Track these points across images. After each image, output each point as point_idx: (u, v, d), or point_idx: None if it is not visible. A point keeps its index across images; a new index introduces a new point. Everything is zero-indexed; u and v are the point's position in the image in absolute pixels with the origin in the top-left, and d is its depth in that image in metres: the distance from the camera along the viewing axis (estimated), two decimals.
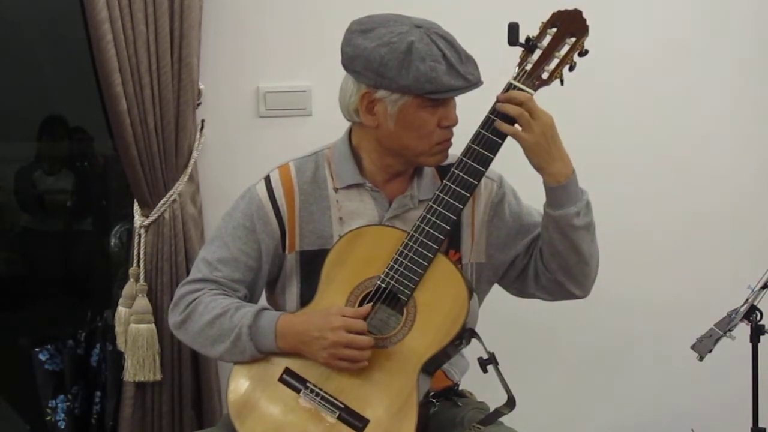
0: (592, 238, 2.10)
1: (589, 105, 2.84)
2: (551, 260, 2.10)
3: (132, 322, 2.70)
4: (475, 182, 2.00)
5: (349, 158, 2.13)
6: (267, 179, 2.15)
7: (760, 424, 2.47)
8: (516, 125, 1.99)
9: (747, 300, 2.41)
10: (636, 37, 2.91)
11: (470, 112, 2.07)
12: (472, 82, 2.01)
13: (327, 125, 2.23)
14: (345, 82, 2.08)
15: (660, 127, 2.95)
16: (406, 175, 2.14)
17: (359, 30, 2.02)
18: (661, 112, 2.95)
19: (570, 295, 2.16)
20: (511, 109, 1.98)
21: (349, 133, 2.16)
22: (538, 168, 2.02)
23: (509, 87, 2.00)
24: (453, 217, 1.99)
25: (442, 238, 1.99)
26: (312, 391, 1.98)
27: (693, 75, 2.95)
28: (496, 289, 2.27)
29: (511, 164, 2.10)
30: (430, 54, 1.96)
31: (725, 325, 2.39)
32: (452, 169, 2.01)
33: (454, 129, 2.07)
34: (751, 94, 2.99)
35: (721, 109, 2.98)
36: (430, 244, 1.98)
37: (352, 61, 2.02)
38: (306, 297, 2.11)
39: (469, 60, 2.01)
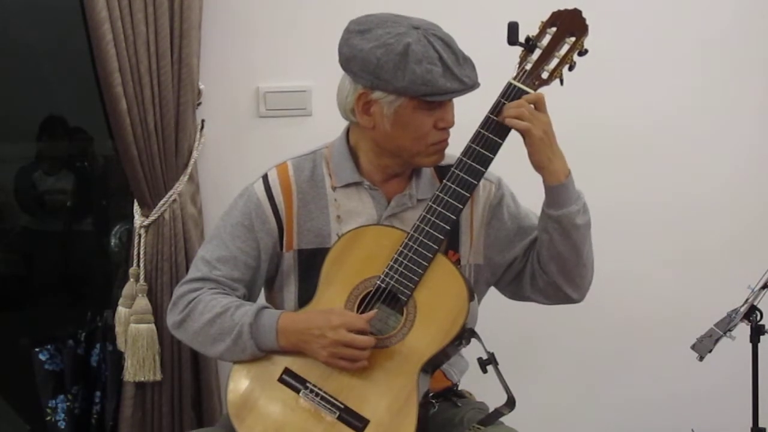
0: (590, 239, 2.10)
1: (589, 105, 2.84)
2: (550, 263, 2.10)
3: (132, 322, 2.70)
4: (475, 182, 2.00)
5: (347, 157, 2.13)
6: (265, 178, 2.16)
7: (760, 424, 2.47)
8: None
9: (747, 300, 2.41)
10: (636, 37, 2.91)
11: (469, 112, 2.07)
12: (468, 85, 2.00)
13: (327, 125, 2.23)
14: (342, 81, 2.08)
15: (660, 128, 2.95)
16: (404, 175, 2.14)
17: (357, 30, 2.02)
18: (662, 112, 2.94)
19: (566, 299, 2.16)
20: (513, 111, 1.98)
21: (347, 132, 2.16)
22: (540, 166, 2.02)
23: (509, 87, 2.01)
24: (453, 217, 1.99)
25: (442, 238, 1.99)
26: (312, 391, 1.98)
27: (695, 74, 2.95)
28: (497, 289, 2.27)
29: (509, 167, 2.11)
30: (427, 56, 1.95)
31: (725, 325, 2.39)
32: (452, 169, 2.01)
33: (454, 129, 2.07)
34: (754, 96, 2.99)
35: (722, 110, 2.97)
36: (430, 244, 1.98)
37: (348, 61, 2.02)
38: (304, 295, 2.11)
39: (466, 62, 2.01)
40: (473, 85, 2.02)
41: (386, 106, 2.01)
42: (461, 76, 1.99)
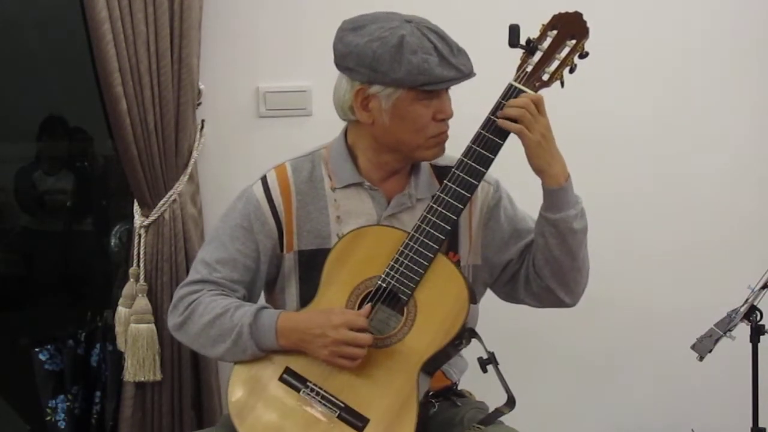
0: (586, 244, 2.11)
1: (589, 107, 2.84)
2: (545, 266, 2.10)
3: (132, 322, 2.70)
4: (476, 183, 2.00)
5: (346, 157, 2.13)
6: (263, 180, 2.16)
7: (760, 424, 2.48)
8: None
9: (747, 300, 2.41)
10: (637, 40, 2.91)
11: (470, 112, 2.07)
12: (465, 73, 2.01)
13: (327, 125, 2.23)
14: (338, 81, 2.09)
15: (660, 129, 2.95)
16: (403, 173, 2.15)
17: (350, 28, 2.04)
18: (661, 114, 2.95)
19: (559, 303, 2.15)
20: (513, 110, 1.98)
21: (345, 132, 2.17)
22: (540, 170, 2.02)
23: (510, 88, 2.01)
24: (453, 217, 2.00)
25: (443, 238, 1.99)
26: (312, 390, 1.98)
27: (694, 77, 2.95)
28: (492, 291, 2.28)
29: (508, 169, 2.11)
30: (422, 46, 1.97)
31: (725, 325, 2.39)
32: (453, 170, 2.01)
33: (454, 130, 2.08)
34: (753, 96, 2.99)
35: (721, 111, 2.98)
36: (431, 244, 1.98)
37: (344, 58, 2.03)
38: (305, 297, 2.11)
39: (460, 52, 2.02)
40: (470, 73, 2.03)
41: (384, 99, 2.02)
42: (457, 65, 2.00)
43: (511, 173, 2.14)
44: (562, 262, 2.08)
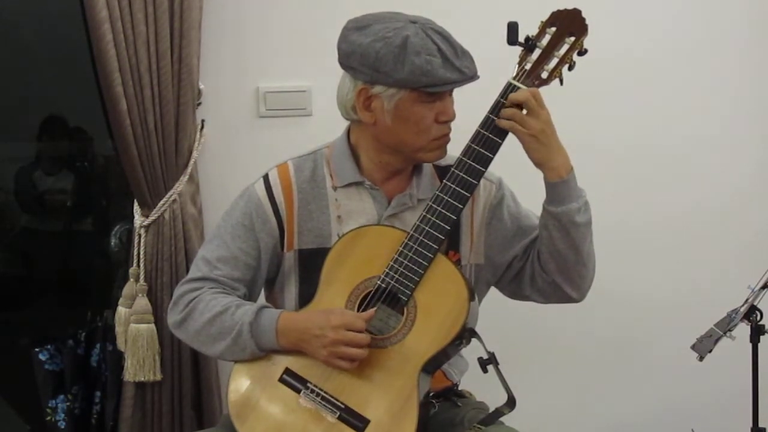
0: (590, 237, 2.10)
1: (588, 104, 2.84)
2: (549, 261, 2.10)
3: (132, 322, 2.70)
4: (475, 182, 2.00)
5: (348, 157, 2.13)
6: (265, 178, 2.16)
7: (760, 424, 2.48)
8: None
9: (747, 300, 2.41)
10: (635, 37, 2.91)
11: (470, 111, 2.07)
12: (468, 75, 2.01)
13: (327, 125, 2.23)
14: (342, 80, 2.08)
15: (659, 126, 2.95)
16: (405, 174, 2.15)
17: (355, 27, 2.03)
18: (660, 111, 2.95)
19: (566, 298, 2.15)
20: (507, 109, 1.98)
21: (348, 132, 2.16)
22: (540, 163, 2.02)
23: (509, 86, 2.01)
24: (453, 217, 1.99)
25: (442, 238, 1.99)
26: (312, 391, 1.98)
27: (691, 74, 2.96)
28: (496, 288, 2.27)
29: (510, 166, 2.11)
30: (426, 48, 1.96)
31: (725, 325, 2.39)
32: (452, 169, 2.01)
33: (455, 130, 2.07)
34: (750, 94, 2.99)
35: (720, 108, 2.98)
36: (430, 244, 1.98)
37: (348, 57, 2.03)
38: (304, 296, 2.11)
39: (464, 54, 2.02)
40: (473, 76, 2.03)
41: (387, 100, 2.01)
42: (461, 67, 1.99)
43: (514, 170, 2.13)
44: (567, 255, 2.08)
